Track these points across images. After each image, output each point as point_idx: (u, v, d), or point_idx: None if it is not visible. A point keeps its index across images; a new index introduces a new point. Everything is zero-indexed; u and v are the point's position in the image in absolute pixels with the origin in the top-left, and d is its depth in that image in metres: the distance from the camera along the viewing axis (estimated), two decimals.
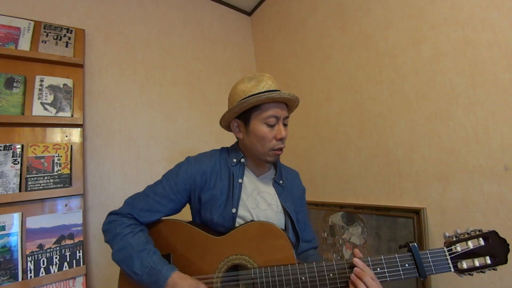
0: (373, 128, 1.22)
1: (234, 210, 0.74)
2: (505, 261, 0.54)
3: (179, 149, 1.57)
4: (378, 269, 0.58)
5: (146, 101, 1.51)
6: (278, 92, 0.70)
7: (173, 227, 0.75)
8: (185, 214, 0.83)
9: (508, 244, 0.55)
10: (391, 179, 1.14)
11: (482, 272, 0.55)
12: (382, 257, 0.59)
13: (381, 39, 1.18)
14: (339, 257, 1.32)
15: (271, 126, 0.72)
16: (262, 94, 0.69)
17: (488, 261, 0.55)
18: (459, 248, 0.56)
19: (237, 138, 0.82)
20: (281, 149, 0.75)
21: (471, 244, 0.56)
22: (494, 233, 0.56)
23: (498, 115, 0.84)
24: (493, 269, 0.55)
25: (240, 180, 0.78)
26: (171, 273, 0.62)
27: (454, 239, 0.58)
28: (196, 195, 0.77)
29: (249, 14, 2.18)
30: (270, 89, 0.73)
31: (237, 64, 2.01)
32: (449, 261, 0.56)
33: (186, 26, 1.79)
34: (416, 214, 1.02)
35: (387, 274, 0.57)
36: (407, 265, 0.57)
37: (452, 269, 0.56)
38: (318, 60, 1.52)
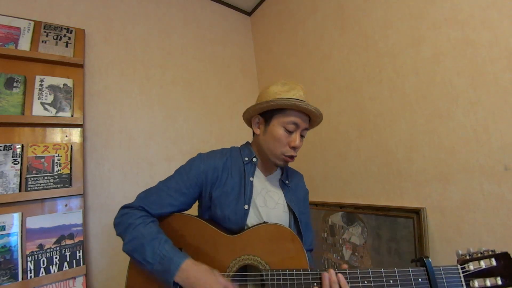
0: (373, 128, 1.22)
1: (246, 207, 0.75)
2: None
3: (179, 149, 1.57)
4: (391, 281, 0.58)
5: (146, 101, 1.51)
6: (306, 102, 0.73)
7: (185, 222, 0.75)
8: (193, 211, 0.83)
9: None
10: (391, 179, 1.14)
11: None
12: (396, 270, 0.59)
13: (381, 39, 1.18)
14: (338, 257, 1.32)
15: (289, 132, 0.74)
16: (291, 99, 0.72)
17: (499, 282, 0.55)
18: (471, 266, 0.56)
19: (253, 134, 0.85)
20: (292, 157, 0.77)
21: (483, 264, 0.56)
22: (506, 255, 0.56)
23: (498, 115, 0.84)
24: None
25: (251, 178, 0.79)
26: (183, 260, 0.62)
27: (467, 257, 0.58)
28: (207, 190, 0.78)
29: (249, 14, 2.18)
30: (300, 98, 0.75)
31: (237, 64, 2.01)
32: (462, 279, 0.56)
33: (186, 26, 1.79)
34: (416, 214, 1.02)
35: (399, 286, 0.58)
36: (420, 279, 0.57)
37: (465, 287, 0.56)
38: (318, 60, 1.52)
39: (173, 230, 0.74)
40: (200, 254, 0.70)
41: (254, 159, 0.82)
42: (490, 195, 0.86)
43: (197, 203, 0.85)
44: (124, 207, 0.75)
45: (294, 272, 0.63)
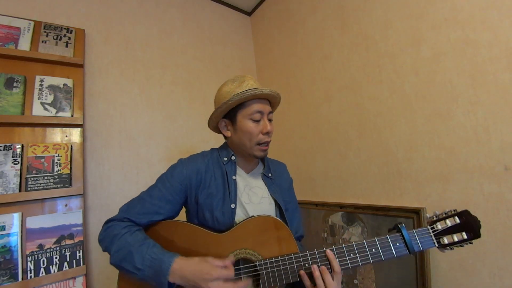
0: (373, 128, 1.22)
1: (233, 206, 0.76)
2: (479, 235, 0.61)
3: (179, 149, 1.57)
4: (373, 250, 0.63)
5: (146, 101, 1.51)
6: (260, 88, 0.76)
7: (173, 228, 0.75)
8: (181, 217, 0.83)
9: (479, 221, 0.62)
10: (391, 179, 1.14)
11: (461, 246, 0.62)
12: (376, 239, 0.65)
13: (381, 39, 1.18)
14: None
15: (257, 121, 0.77)
16: (245, 92, 0.74)
17: (465, 236, 0.62)
18: (439, 226, 0.64)
19: (225, 137, 0.86)
20: (267, 144, 0.79)
21: (449, 222, 0.63)
22: (466, 212, 0.63)
23: (498, 115, 0.84)
24: (470, 243, 0.62)
25: (234, 177, 0.80)
26: (173, 259, 0.61)
27: (435, 218, 0.66)
28: (192, 195, 0.78)
29: (249, 14, 2.18)
30: (253, 87, 0.77)
31: (237, 64, 2.01)
32: (433, 238, 0.63)
33: (186, 26, 1.79)
34: (416, 214, 1.02)
35: (381, 253, 0.63)
36: (397, 244, 0.63)
37: (436, 244, 0.63)
38: (318, 60, 1.52)
39: (162, 238, 0.73)
40: (192, 256, 0.70)
41: (233, 157, 0.83)
42: (490, 195, 0.86)
43: (184, 210, 0.84)
44: (107, 221, 0.73)
45: (286, 258, 0.66)
